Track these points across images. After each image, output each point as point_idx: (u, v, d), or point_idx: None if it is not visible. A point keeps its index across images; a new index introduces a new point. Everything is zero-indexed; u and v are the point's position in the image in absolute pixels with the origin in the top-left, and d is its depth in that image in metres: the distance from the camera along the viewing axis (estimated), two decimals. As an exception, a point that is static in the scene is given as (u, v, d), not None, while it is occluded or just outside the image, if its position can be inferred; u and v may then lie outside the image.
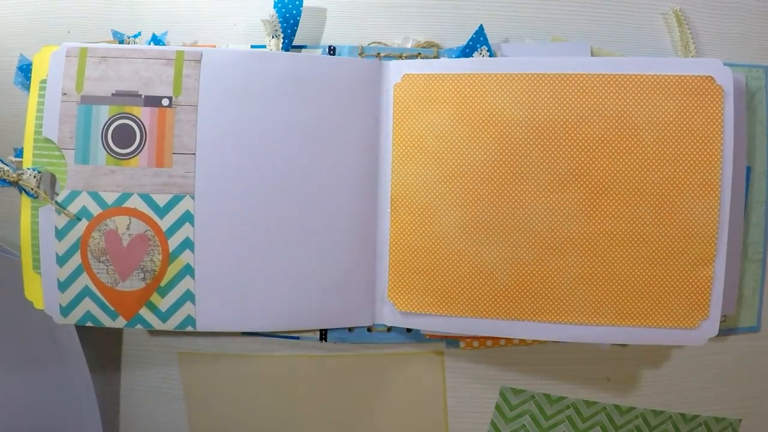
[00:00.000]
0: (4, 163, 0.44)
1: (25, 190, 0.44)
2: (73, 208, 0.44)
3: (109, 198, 0.44)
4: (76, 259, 0.44)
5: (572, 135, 0.42)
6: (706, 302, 0.42)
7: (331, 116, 0.45)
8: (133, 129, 0.44)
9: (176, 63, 0.44)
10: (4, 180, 0.44)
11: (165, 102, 0.44)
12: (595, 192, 0.42)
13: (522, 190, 0.43)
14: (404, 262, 0.45)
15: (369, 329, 0.48)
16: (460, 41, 0.48)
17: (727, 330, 0.48)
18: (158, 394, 0.50)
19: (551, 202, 0.43)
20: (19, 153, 0.45)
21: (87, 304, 0.45)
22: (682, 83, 0.42)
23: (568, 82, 0.42)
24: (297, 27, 0.47)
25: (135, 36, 0.47)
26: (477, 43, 0.46)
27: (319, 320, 0.46)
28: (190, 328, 0.45)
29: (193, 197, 0.44)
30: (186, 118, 0.44)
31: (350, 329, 0.48)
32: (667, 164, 0.42)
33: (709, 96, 0.41)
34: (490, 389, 0.50)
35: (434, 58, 0.47)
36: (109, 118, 0.44)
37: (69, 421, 0.49)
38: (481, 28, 0.46)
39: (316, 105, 0.45)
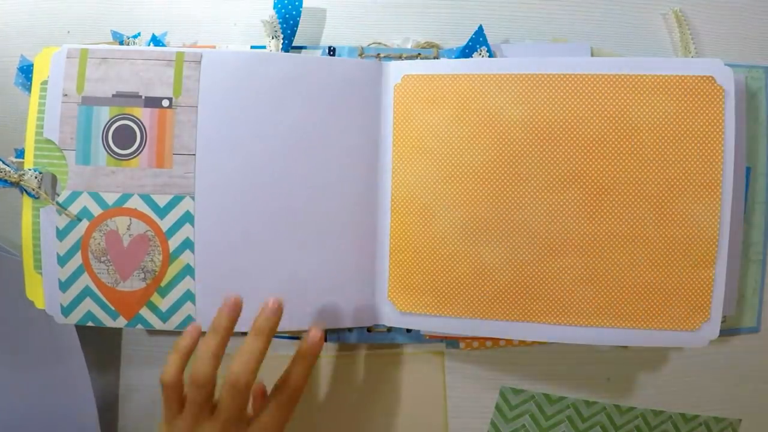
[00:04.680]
0: (6, 164, 0.44)
1: (26, 191, 0.45)
2: (74, 208, 0.44)
3: (110, 198, 0.44)
4: (77, 260, 0.44)
5: (572, 135, 0.42)
6: (707, 304, 0.42)
7: (330, 117, 0.45)
8: (134, 130, 0.44)
9: (176, 64, 0.44)
10: (6, 180, 0.44)
11: (165, 103, 0.44)
12: (595, 193, 0.42)
13: (522, 191, 0.43)
14: (404, 262, 0.45)
15: (369, 329, 0.48)
16: (460, 41, 0.48)
17: (727, 330, 0.48)
18: (158, 394, 0.50)
19: (551, 202, 0.43)
20: (20, 154, 0.45)
21: (88, 304, 0.45)
22: (683, 83, 0.41)
23: (568, 82, 0.42)
24: (297, 28, 0.47)
25: (134, 36, 0.47)
26: (477, 43, 0.46)
27: (319, 321, 0.46)
28: (190, 328, 0.45)
29: (193, 198, 0.44)
30: (186, 118, 0.44)
31: (350, 329, 0.48)
32: (668, 165, 0.42)
33: (709, 96, 0.41)
34: (490, 389, 0.50)
35: (434, 58, 0.48)
36: (110, 119, 0.44)
37: (68, 421, 0.49)
38: (480, 28, 0.46)
39: (316, 106, 0.45)
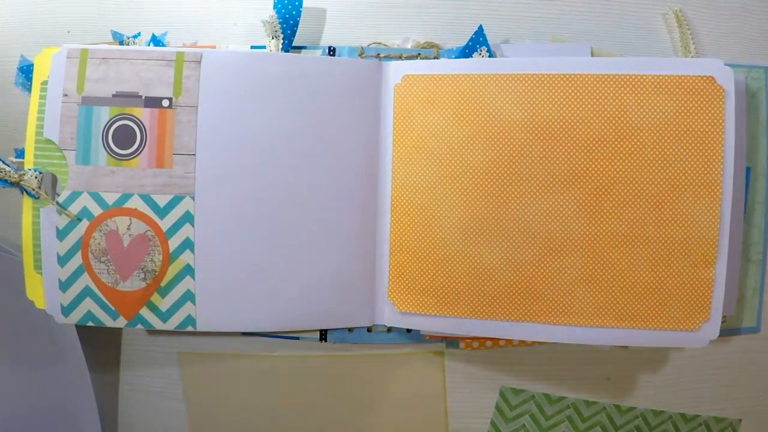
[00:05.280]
0: (6, 164, 0.44)
1: (26, 191, 0.45)
2: (74, 208, 0.44)
3: (110, 198, 0.44)
4: (77, 260, 0.44)
5: (572, 136, 0.42)
6: (707, 304, 0.42)
7: (330, 117, 0.45)
8: (134, 130, 0.44)
9: (176, 64, 0.44)
10: (6, 180, 0.44)
11: (165, 103, 0.44)
12: (595, 193, 0.42)
13: (522, 191, 0.43)
14: (404, 262, 0.45)
15: (369, 329, 0.48)
16: (460, 41, 0.48)
17: (727, 331, 0.48)
18: (158, 394, 0.51)
19: (551, 203, 0.43)
20: (20, 154, 0.45)
21: (88, 304, 0.45)
22: (683, 83, 0.41)
23: (568, 82, 0.42)
24: (297, 28, 0.47)
25: (134, 36, 0.47)
26: (476, 43, 0.46)
27: (319, 320, 0.46)
28: (190, 328, 0.45)
29: (193, 198, 0.44)
30: (186, 118, 0.44)
31: (350, 329, 0.48)
32: (668, 165, 0.42)
33: (709, 96, 0.41)
34: (490, 389, 0.50)
35: (434, 58, 0.48)
36: (110, 119, 0.44)
37: (68, 421, 0.49)
38: (480, 28, 0.46)
39: (316, 106, 0.45)
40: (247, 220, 0.45)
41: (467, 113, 0.44)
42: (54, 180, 0.45)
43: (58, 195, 0.44)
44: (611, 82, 0.42)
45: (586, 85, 0.42)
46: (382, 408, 0.50)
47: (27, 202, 0.45)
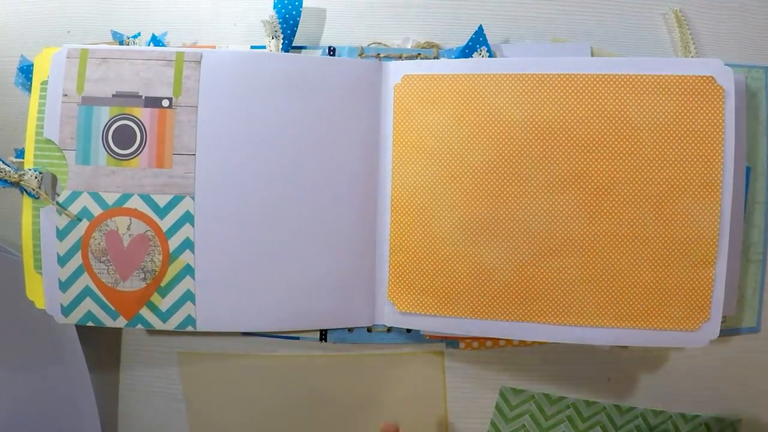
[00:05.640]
0: (6, 164, 0.44)
1: (26, 191, 0.45)
2: (74, 208, 0.44)
3: (110, 198, 0.44)
4: (77, 260, 0.44)
5: (572, 135, 0.42)
6: (707, 304, 0.42)
7: (331, 117, 0.45)
8: (134, 130, 0.44)
9: (176, 64, 0.44)
10: (6, 180, 0.44)
11: (165, 103, 0.44)
12: (595, 193, 0.42)
13: (522, 191, 0.43)
14: (404, 262, 0.45)
15: (369, 330, 0.48)
16: (460, 41, 0.48)
17: (727, 330, 0.48)
18: (158, 394, 0.51)
19: (551, 202, 0.43)
20: (20, 154, 0.45)
21: (88, 304, 0.45)
22: (683, 83, 0.41)
23: (568, 82, 0.42)
24: (297, 28, 0.47)
25: (134, 36, 0.47)
26: (477, 43, 0.46)
27: (319, 320, 0.46)
28: (190, 328, 0.45)
29: (193, 198, 0.44)
30: (186, 118, 0.44)
31: (350, 329, 0.48)
32: (668, 165, 0.42)
33: (709, 96, 0.41)
34: (490, 389, 0.50)
35: (434, 58, 0.48)
36: (110, 119, 0.44)
37: (68, 421, 0.49)
38: (480, 28, 0.46)
39: (316, 106, 0.45)
40: (247, 220, 0.45)
41: (467, 113, 0.44)
42: (54, 180, 0.45)
43: (58, 195, 0.44)
44: (611, 82, 0.42)
45: (586, 85, 0.42)
46: (382, 408, 0.50)
47: (27, 202, 0.45)
